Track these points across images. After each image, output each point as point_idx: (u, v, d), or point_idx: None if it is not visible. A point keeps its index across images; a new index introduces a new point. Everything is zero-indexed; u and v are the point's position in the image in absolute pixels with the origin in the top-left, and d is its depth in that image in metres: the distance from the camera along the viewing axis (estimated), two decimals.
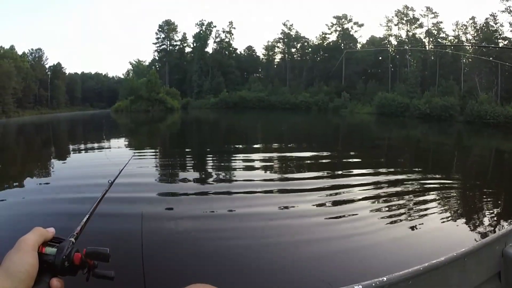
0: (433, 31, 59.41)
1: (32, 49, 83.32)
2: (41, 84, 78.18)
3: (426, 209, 6.95)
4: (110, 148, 18.56)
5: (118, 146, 19.18)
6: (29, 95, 72.41)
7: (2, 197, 8.67)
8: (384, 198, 7.83)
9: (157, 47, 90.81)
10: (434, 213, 6.76)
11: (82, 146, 20.26)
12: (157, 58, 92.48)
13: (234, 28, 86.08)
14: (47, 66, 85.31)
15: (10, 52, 69.09)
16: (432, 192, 8.61)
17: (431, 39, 59.77)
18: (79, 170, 11.84)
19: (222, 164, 13.48)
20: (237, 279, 4.27)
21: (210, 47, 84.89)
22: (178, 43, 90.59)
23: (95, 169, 11.12)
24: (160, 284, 4.06)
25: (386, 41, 66.32)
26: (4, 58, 63.67)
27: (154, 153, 16.67)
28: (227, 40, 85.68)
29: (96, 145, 19.94)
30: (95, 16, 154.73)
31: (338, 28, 73.36)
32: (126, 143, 22.12)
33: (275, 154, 15.53)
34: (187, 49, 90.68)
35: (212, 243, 5.42)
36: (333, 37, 74.92)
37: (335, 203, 7.36)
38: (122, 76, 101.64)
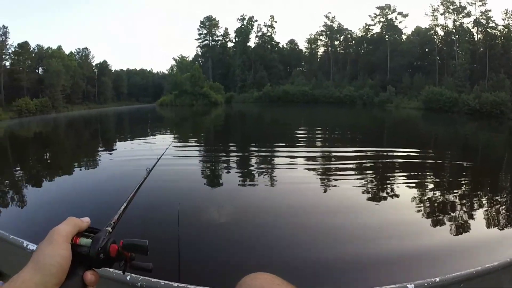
0: (482, 20, 57.09)
1: (78, 48, 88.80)
2: (88, 81, 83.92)
3: (478, 210, 6.83)
4: (154, 139, 19.38)
5: (161, 138, 19.99)
6: (78, 92, 77.90)
7: (44, 185, 9.38)
8: (435, 195, 7.71)
9: (200, 42, 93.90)
10: (487, 215, 6.57)
11: (127, 137, 21.53)
12: (200, 53, 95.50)
13: (276, 22, 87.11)
14: (93, 63, 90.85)
15: (58, 52, 74.55)
16: (485, 193, 8.36)
17: (479, 29, 57.52)
18: (120, 160, 12.37)
19: (264, 155, 13.51)
20: (278, 269, 4.09)
21: (252, 42, 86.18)
22: (220, 38, 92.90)
23: (137, 158, 11.59)
24: (195, 275, 4.10)
25: (432, 31, 64.40)
26: (53, 58, 69.46)
27: (196, 143, 17.34)
28: (269, 34, 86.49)
29: (140, 136, 20.85)
30: (138, 14, 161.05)
31: (382, 19, 72.32)
32: (170, 134, 23.00)
33: (319, 149, 15.53)
34: (230, 44, 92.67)
35: (251, 233, 5.50)
36: (376, 29, 74.22)
37: (386, 204, 7.19)
38: (166, 72, 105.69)
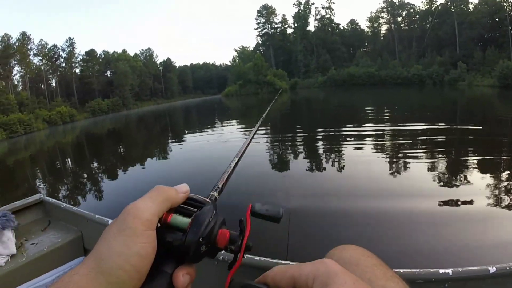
0: None
1: (142, 50, 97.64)
2: (155, 78, 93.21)
3: None
4: (222, 130, 19.05)
5: (232, 128, 19.77)
6: (145, 89, 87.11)
7: (115, 180, 9.65)
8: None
9: (259, 31, 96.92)
10: None
11: (197, 130, 20.97)
12: (260, 42, 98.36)
13: (334, 3, 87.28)
14: (158, 62, 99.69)
15: (123, 55, 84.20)
16: None
17: None
18: (193, 158, 11.61)
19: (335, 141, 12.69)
20: (377, 243, 4.27)
21: (312, 25, 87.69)
22: (279, 25, 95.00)
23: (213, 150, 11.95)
24: (302, 249, 4.11)
25: None
26: (119, 61, 78.77)
27: (271, 131, 16.94)
28: (328, 16, 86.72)
29: (209, 128, 21.11)
30: (197, 12, 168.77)
31: None
32: (239, 124, 22.19)
33: (388, 128, 14.30)
34: (289, 30, 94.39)
35: (337, 214, 5.39)
36: (441, 0, 70.97)
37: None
38: (229, 63, 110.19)
